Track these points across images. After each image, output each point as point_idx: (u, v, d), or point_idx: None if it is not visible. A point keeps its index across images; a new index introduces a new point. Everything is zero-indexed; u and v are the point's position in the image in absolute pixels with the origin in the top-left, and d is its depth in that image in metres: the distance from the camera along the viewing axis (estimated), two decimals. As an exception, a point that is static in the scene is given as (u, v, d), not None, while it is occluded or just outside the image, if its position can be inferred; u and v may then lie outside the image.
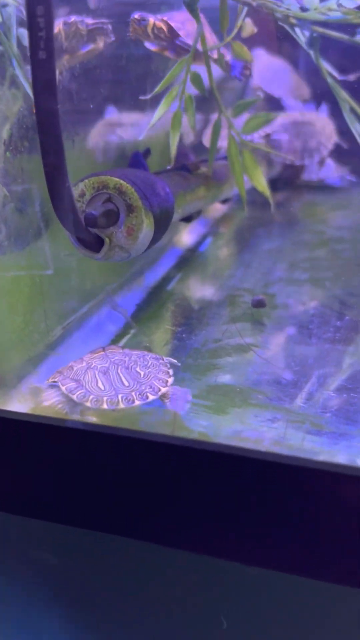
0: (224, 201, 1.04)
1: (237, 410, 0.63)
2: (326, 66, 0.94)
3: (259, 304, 0.82)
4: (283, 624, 0.60)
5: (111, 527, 0.54)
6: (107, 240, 0.64)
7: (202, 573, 0.61)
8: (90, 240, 0.63)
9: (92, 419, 0.56)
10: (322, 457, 0.55)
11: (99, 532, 0.55)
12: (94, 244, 0.64)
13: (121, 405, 0.55)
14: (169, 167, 0.82)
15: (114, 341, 0.76)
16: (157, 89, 0.75)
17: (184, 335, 0.81)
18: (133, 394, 0.56)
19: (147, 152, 0.85)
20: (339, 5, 0.71)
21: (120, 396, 0.56)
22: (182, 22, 0.74)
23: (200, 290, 0.95)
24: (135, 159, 0.83)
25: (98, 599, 0.64)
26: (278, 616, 0.60)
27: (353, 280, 0.93)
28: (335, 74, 0.96)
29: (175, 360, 0.65)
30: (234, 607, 0.60)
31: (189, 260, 1.03)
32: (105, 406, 0.55)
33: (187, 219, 0.89)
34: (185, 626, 0.62)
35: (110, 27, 0.75)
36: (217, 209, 1.17)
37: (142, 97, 0.77)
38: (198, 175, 0.86)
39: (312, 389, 0.66)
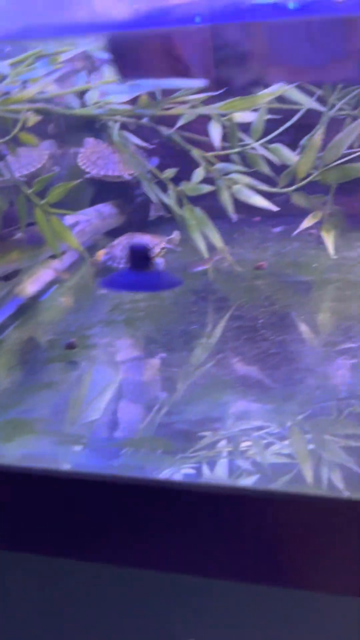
0: (53, 256, 1.19)
1: (22, 438, 0.78)
2: (132, 138, 1.12)
3: (69, 346, 0.98)
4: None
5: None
6: None
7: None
8: None
9: None
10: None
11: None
12: None
13: None
14: None
15: None
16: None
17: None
18: None
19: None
20: (106, 103, 0.88)
21: None
22: None
23: (30, 336, 1.09)
24: None
25: None
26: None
27: (160, 319, 1.10)
28: (140, 142, 1.13)
29: None
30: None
31: (28, 309, 1.18)
32: None
33: (5, 278, 1.04)
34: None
35: None
36: (65, 260, 1.32)
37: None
38: (12, 241, 1.02)
39: (93, 416, 0.82)
